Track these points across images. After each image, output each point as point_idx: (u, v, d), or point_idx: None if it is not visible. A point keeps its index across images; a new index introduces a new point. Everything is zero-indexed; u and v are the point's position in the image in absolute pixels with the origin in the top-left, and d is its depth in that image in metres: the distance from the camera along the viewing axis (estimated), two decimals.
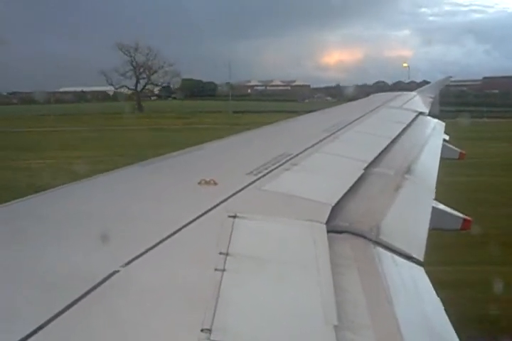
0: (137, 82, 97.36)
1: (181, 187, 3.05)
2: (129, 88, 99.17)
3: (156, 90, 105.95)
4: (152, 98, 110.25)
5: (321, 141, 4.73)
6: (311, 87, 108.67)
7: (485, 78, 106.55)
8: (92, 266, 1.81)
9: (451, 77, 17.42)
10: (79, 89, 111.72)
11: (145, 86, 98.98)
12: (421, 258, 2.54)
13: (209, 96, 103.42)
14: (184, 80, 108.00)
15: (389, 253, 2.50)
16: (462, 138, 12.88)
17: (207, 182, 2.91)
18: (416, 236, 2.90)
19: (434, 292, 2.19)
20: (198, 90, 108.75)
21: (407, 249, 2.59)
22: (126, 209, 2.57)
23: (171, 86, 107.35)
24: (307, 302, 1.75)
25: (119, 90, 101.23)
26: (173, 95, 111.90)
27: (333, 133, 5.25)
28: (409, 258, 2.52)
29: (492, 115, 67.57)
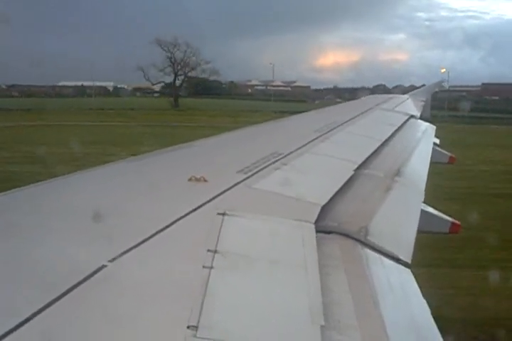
0: (175, 78, 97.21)
1: (171, 183, 3.03)
2: (166, 84, 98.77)
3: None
4: (155, 95, 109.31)
5: (312, 141, 4.74)
6: (311, 88, 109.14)
7: (484, 84, 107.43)
8: (80, 261, 1.80)
9: (443, 81, 17.53)
10: (79, 83, 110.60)
11: (183, 82, 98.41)
12: (408, 261, 2.55)
13: (214, 95, 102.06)
14: (189, 78, 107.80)
15: (377, 255, 2.51)
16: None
17: (197, 179, 2.90)
18: (404, 238, 2.92)
19: (421, 294, 2.20)
20: (203, 88, 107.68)
21: (395, 251, 2.60)
22: (115, 205, 2.55)
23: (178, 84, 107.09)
24: (294, 302, 1.75)
25: (156, 86, 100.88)
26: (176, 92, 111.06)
27: (325, 133, 5.25)
28: (396, 260, 2.53)
29: (492, 121, 67.41)
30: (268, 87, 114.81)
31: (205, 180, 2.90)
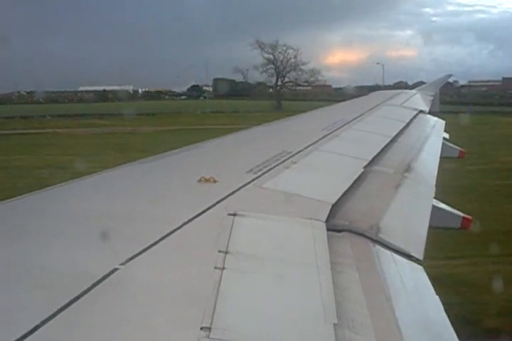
0: (277, 79, 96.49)
1: (181, 184, 3.04)
2: (267, 85, 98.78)
3: (294, 87, 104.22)
4: (182, 97, 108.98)
5: (320, 139, 4.73)
6: (333, 87, 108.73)
7: (505, 79, 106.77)
8: (92, 264, 1.81)
9: (451, 75, 17.43)
10: (98, 88, 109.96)
11: (283, 83, 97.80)
12: (420, 257, 2.54)
13: (243, 96, 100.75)
14: (216, 80, 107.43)
15: (388, 252, 2.50)
16: None
17: (207, 180, 2.91)
18: (415, 235, 2.90)
19: (433, 290, 2.19)
20: (232, 90, 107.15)
21: (407, 248, 2.59)
22: (126, 207, 2.57)
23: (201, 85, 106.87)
24: (307, 301, 1.75)
25: (258, 87, 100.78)
26: (203, 94, 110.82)
27: (333, 131, 5.24)
28: (408, 256, 2.52)
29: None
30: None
31: (215, 181, 2.91)
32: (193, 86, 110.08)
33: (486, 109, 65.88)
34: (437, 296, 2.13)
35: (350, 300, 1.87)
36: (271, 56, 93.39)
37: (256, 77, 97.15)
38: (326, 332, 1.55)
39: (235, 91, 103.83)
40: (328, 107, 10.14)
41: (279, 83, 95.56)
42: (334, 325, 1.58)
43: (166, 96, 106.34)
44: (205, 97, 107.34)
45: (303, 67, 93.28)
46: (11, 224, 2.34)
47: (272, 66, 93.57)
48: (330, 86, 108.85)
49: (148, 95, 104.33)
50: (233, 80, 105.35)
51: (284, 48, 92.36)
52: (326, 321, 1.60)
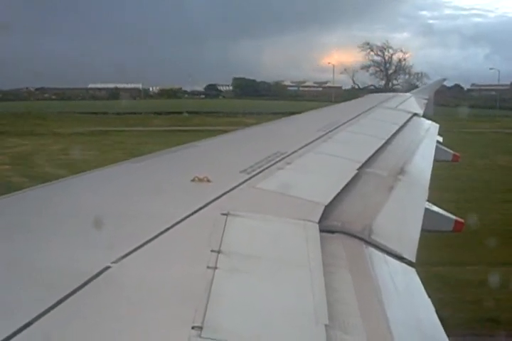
0: (388, 81, 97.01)
1: (174, 183, 3.04)
2: (375, 87, 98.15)
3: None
4: (201, 96, 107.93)
5: (314, 140, 4.73)
6: (343, 88, 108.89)
7: None
8: (84, 262, 1.80)
9: (445, 79, 17.52)
10: (107, 85, 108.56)
11: (392, 85, 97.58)
12: (413, 259, 2.55)
13: (262, 96, 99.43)
14: (236, 79, 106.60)
15: (381, 254, 2.50)
16: None
17: (200, 180, 2.91)
18: (408, 237, 2.91)
19: (425, 292, 2.20)
20: (252, 90, 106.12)
21: (399, 250, 2.59)
22: (119, 205, 2.56)
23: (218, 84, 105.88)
24: (298, 302, 1.75)
25: (365, 89, 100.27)
26: (221, 94, 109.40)
27: (327, 133, 5.25)
28: (400, 258, 2.53)
29: None
30: (300, 88, 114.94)
31: (209, 181, 2.90)
32: (210, 85, 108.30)
33: (501, 113, 67.58)
34: (429, 298, 2.14)
35: (342, 301, 1.87)
36: (380, 58, 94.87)
37: (361, 78, 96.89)
38: (317, 332, 1.55)
39: (255, 91, 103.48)
40: (324, 108, 10.16)
41: (390, 85, 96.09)
42: (326, 325, 1.58)
43: (186, 95, 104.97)
44: (223, 97, 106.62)
45: (412, 70, 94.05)
46: (3, 220, 2.33)
47: (379, 68, 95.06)
48: (340, 87, 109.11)
49: (167, 93, 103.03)
50: (254, 80, 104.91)
51: (393, 50, 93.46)
52: (318, 322, 1.60)
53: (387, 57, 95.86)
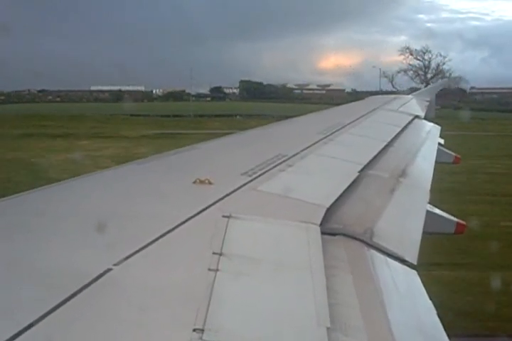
0: (427, 85, 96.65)
1: (176, 186, 3.04)
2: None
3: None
4: (207, 99, 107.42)
5: (316, 142, 4.73)
6: (346, 91, 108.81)
7: None
8: (86, 264, 1.81)
9: (447, 80, 17.53)
10: (109, 87, 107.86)
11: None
12: (414, 262, 2.54)
13: (269, 99, 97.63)
14: (243, 81, 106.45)
15: (382, 256, 2.50)
16: None
17: (202, 182, 2.91)
18: (410, 240, 2.91)
19: (427, 295, 2.19)
20: (258, 92, 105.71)
21: (401, 252, 2.59)
22: (121, 208, 2.56)
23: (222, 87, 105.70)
24: (300, 304, 1.75)
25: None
26: (227, 96, 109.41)
27: (329, 135, 5.25)
28: (402, 261, 2.53)
29: None
30: (304, 91, 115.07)
31: (210, 183, 2.90)
32: (215, 87, 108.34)
33: (506, 115, 67.69)
34: (430, 300, 2.14)
35: (343, 303, 1.87)
36: (419, 62, 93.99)
37: (401, 82, 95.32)
38: (319, 335, 1.55)
39: (262, 93, 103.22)
40: (326, 111, 10.16)
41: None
42: (327, 328, 1.58)
43: (193, 98, 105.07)
44: (230, 99, 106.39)
45: (451, 75, 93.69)
46: (5, 222, 2.33)
47: (418, 72, 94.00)
48: (343, 90, 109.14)
49: (172, 96, 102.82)
50: (260, 82, 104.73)
51: (433, 55, 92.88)
52: (319, 324, 1.60)
53: (426, 62, 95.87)
